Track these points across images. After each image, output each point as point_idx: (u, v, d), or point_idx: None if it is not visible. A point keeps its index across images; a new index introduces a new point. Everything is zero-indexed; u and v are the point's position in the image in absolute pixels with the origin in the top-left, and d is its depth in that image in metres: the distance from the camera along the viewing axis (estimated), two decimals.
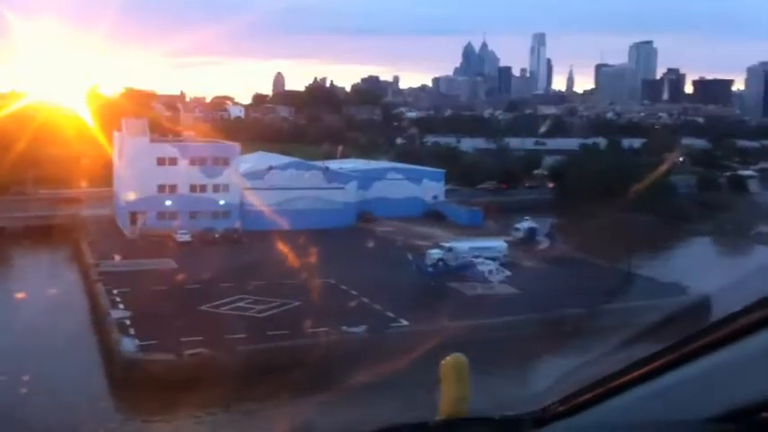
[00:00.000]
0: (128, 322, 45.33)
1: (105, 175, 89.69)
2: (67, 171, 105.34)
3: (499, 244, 63.92)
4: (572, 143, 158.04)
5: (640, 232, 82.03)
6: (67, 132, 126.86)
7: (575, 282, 55.76)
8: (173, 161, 78.06)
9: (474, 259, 56.18)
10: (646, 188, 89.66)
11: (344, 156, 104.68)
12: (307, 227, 76.42)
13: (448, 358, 1.66)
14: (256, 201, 79.89)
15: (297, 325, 44.55)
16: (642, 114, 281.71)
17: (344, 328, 44.24)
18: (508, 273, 55.72)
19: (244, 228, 76.18)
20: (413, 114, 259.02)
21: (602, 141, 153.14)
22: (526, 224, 73.61)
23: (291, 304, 50.13)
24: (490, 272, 55.04)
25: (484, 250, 62.26)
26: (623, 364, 1.67)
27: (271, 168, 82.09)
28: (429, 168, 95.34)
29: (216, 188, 79.32)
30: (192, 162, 78.67)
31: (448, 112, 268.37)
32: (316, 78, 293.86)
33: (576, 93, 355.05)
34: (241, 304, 50.29)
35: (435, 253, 62.76)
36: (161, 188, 77.85)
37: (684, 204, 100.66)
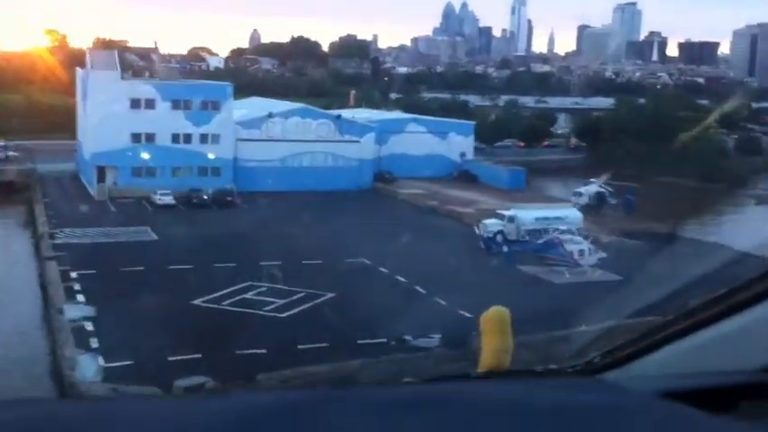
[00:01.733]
0: (89, 326, 30.80)
1: (70, 127, 74.69)
2: (25, 121, 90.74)
3: (571, 213, 49.95)
4: (568, 101, 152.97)
5: (712, 200, 69.25)
6: (28, 81, 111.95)
7: (685, 264, 41.61)
8: (150, 104, 62.87)
9: (560, 235, 42.09)
10: (694, 150, 77.23)
11: (357, 104, 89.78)
12: (315, 188, 62.59)
13: (489, 311, 1.61)
14: (253, 155, 65.30)
15: (339, 332, 30.43)
16: (638, 74, 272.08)
17: (408, 337, 29.94)
18: (603, 254, 41.71)
19: (238, 188, 61.50)
20: (403, 69, 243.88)
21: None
22: (592, 187, 59.56)
23: (322, 297, 35.86)
24: (581, 252, 41.03)
25: (554, 221, 48.37)
26: (668, 316, 1.60)
27: (271, 115, 67.18)
28: (456, 120, 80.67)
29: (204, 138, 64.43)
30: (175, 105, 63.54)
31: (439, 68, 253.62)
32: (292, 36, 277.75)
33: (557, 54, 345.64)
34: (251, 296, 35.95)
35: (492, 224, 48.79)
36: (135, 137, 62.81)
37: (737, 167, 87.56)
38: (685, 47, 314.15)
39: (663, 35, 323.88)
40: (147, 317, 30.55)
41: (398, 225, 51.57)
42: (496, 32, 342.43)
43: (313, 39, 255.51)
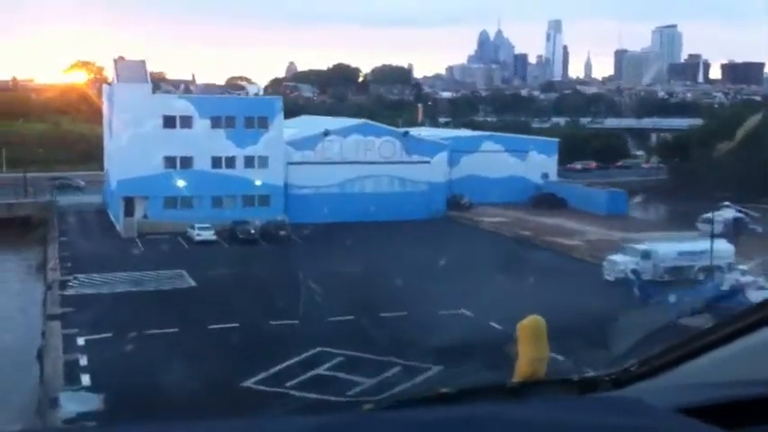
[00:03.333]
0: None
1: (101, 156, 65.87)
2: (53, 151, 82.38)
3: (720, 245, 38.86)
4: (624, 122, 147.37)
5: None
6: (60, 111, 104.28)
7: None
8: (186, 122, 53.26)
9: (741, 278, 31.12)
10: None
11: (422, 122, 79.61)
12: (379, 218, 52.81)
13: (525, 320, 1.64)
14: (307, 180, 55.39)
15: None
16: (689, 95, 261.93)
17: None
18: None
19: (290, 220, 51.45)
20: (448, 94, 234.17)
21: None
22: (728, 212, 48.31)
23: (427, 372, 25.23)
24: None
25: (699, 256, 37.57)
26: (703, 326, 1.63)
27: (327, 134, 57.20)
28: (536, 138, 70.03)
29: (249, 162, 54.62)
30: (215, 123, 53.85)
31: (483, 93, 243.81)
32: (331, 64, 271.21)
33: (595, 79, 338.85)
34: (325, 371, 25.48)
35: (623, 261, 38.00)
36: (169, 162, 53.21)
37: None
38: (728, 68, 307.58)
39: (703, 57, 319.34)
40: (182, 409, 20.19)
41: (492, 262, 40.85)
42: (531, 59, 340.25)
43: (353, 65, 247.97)
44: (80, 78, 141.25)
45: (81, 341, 27.91)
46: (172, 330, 29.56)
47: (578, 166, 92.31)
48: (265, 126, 54.83)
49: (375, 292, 34.44)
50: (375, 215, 54.26)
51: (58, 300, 34.15)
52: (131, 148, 51.59)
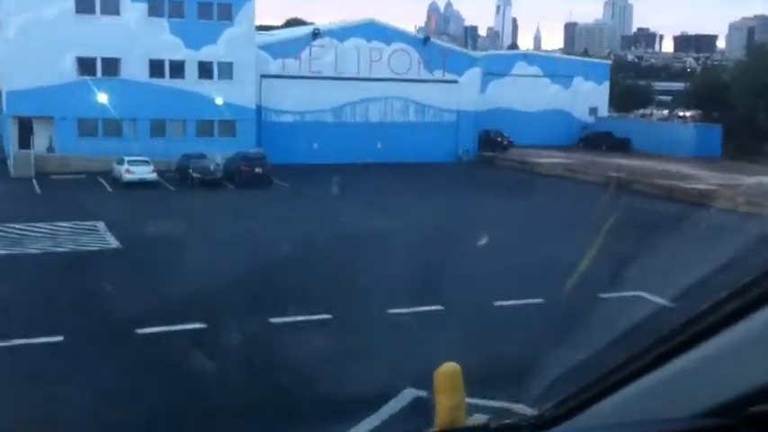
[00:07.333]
0: None
1: None
2: None
3: None
4: None
5: None
6: None
7: None
8: (110, 4, 35.47)
9: None
10: None
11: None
12: (387, 158, 37.05)
13: (442, 367, 1.60)
14: (289, 103, 39.05)
15: None
16: (653, 61, 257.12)
17: None
18: None
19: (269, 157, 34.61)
20: None
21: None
22: None
23: None
24: None
25: None
26: (620, 360, 1.63)
27: (318, 34, 40.21)
28: (583, 59, 54.25)
29: (205, 70, 37.47)
30: (155, 10, 36.19)
31: None
32: None
33: (545, 50, 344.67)
34: None
35: None
36: (85, 66, 35.66)
37: None
38: (681, 39, 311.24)
39: (652, 29, 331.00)
40: None
41: (615, 220, 25.02)
42: (482, 31, 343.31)
43: None
44: None
45: None
46: (54, 340, 12.94)
47: None
48: (229, 17, 37.38)
49: (455, 259, 18.78)
50: (381, 155, 38.29)
51: None
52: (27, 44, 34.06)
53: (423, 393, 10.30)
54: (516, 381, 8.04)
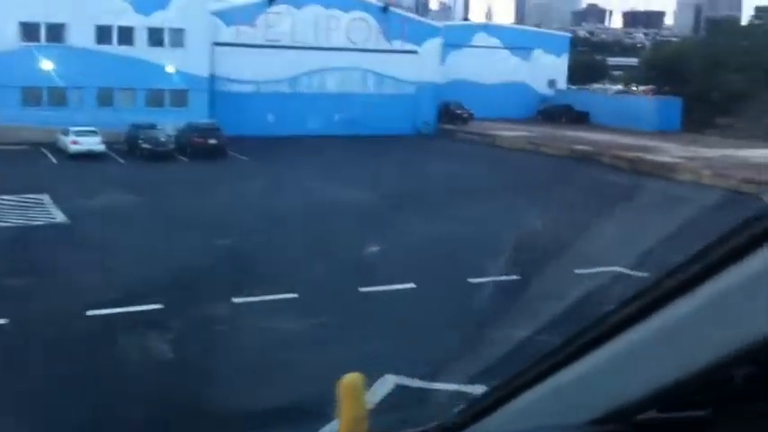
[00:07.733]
0: None
1: None
2: None
3: None
4: None
5: None
6: None
7: None
8: None
9: None
10: None
11: None
12: (344, 131, 36.19)
13: (344, 377, 1.54)
14: (243, 72, 37.72)
15: None
16: (604, 36, 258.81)
17: None
18: None
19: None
20: None
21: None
22: None
23: None
24: None
25: None
26: (527, 362, 1.54)
27: (272, 0, 38.87)
28: (543, 30, 53.69)
29: (155, 37, 35.94)
30: None
31: None
32: None
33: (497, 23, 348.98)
34: None
35: None
36: (28, 31, 33.91)
37: None
38: (630, 15, 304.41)
39: (600, 6, 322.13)
40: None
41: (588, 194, 24.63)
42: (433, 5, 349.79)
43: None
44: None
45: None
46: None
47: None
48: None
49: (421, 237, 17.98)
50: (338, 128, 37.32)
51: None
52: None
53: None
54: None
